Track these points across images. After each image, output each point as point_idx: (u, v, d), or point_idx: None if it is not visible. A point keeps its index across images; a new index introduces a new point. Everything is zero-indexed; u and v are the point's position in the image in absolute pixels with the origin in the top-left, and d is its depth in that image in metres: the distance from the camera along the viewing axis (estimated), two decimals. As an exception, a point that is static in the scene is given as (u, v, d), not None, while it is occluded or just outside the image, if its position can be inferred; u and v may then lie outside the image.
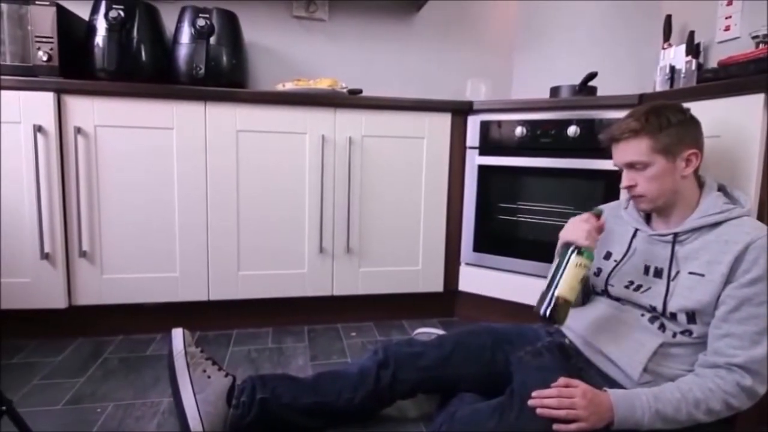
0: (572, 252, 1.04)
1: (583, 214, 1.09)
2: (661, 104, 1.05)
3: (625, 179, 1.06)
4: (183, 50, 1.77)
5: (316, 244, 1.77)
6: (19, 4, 1.56)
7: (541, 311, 1.02)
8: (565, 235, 1.08)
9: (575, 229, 1.06)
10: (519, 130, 1.71)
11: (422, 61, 2.35)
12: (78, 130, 1.54)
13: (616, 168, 1.10)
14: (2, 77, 1.50)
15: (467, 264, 1.89)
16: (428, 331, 1.55)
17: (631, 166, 1.04)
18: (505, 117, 1.75)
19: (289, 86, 1.75)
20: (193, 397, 1.05)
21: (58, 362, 1.50)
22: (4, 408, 0.87)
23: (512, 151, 1.74)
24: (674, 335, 0.99)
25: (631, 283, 1.08)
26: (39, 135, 1.50)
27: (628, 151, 1.03)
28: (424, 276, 1.89)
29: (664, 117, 1.00)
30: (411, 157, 1.82)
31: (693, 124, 1.03)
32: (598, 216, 1.09)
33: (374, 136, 1.77)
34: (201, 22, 1.73)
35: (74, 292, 1.60)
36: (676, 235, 1.02)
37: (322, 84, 1.76)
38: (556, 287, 1.02)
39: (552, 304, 1.01)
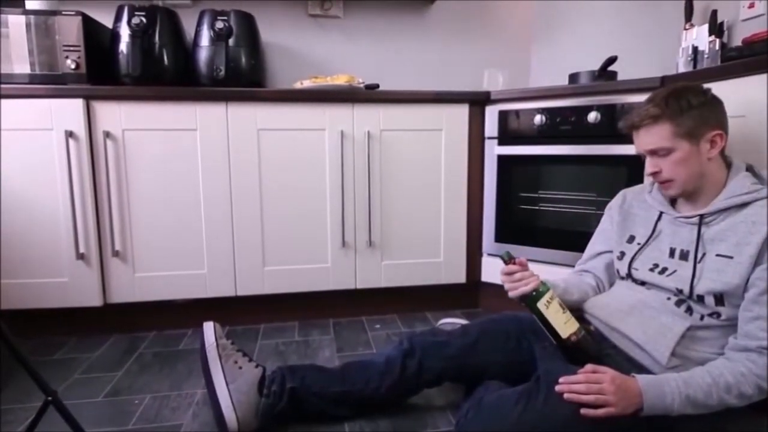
0: (531, 302, 1.05)
1: (503, 267, 1.09)
2: (680, 86, 1.02)
3: (650, 166, 1.03)
4: (203, 53, 1.80)
5: (338, 239, 1.79)
6: (46, 15, 1.62)
7: (575, 361, 1.02)
8: (512, 294, 1.08)
9: (511, 285, 1.07)
10: (538, 119, 1.70)
11: (438, 53, 2.34)
12: (107, 135, 1.60)
13: (638, 154, 1.07)
14: (34, 86, 1.57)
15: (489, 255, 1.89)
16: (452, 321, 1.56)
17: (654, 152, 1.01)
18: (524, 106, 1.74)
19: (306, 84, 1.78)
20: (226, 386, 1.09)
21: (96, 357, 1.56)
22: (49, 398, 0.92)
23: (532, 139, 1.73)
24: (702, 318, 0.98)
25: (656, 266, 1.06)
26: (70, 140, 1.56)
27: (649, 138, 1.01)
28: (446, 268, 1.90)
29: (685, 99, 0.98)
30: (430, 150, 1.83)
31: (715, 104, 1.01)
32: (512, 259, 1.09)
33: (392, 129, 1.79)
34: (219, 25, 1.77)
35: (108, 290, 1.66)
36: (702, 216, 1.00)
37: (340, 80, 1.78)
38: (558, 337, 1.04)
39: (570, 347, 1.04)
